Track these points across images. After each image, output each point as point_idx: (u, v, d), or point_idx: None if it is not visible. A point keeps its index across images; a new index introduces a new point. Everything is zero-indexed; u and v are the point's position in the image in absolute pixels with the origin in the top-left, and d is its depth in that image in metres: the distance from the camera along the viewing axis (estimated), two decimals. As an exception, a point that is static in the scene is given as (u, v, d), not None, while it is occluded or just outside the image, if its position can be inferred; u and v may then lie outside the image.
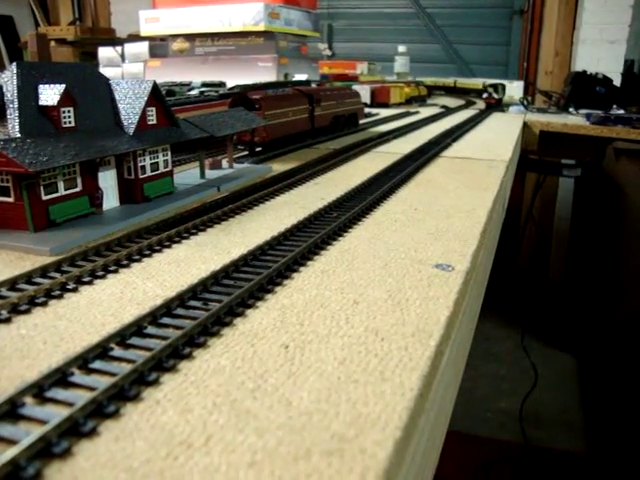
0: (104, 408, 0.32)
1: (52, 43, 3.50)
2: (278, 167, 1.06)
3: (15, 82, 0.65)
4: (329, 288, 0.51)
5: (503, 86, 2.92)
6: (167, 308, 0.45)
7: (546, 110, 2.73)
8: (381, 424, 0.31)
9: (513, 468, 2.15)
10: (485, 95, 2.67)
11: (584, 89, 2.59)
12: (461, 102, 2.90)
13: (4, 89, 0.65)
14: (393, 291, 0.50)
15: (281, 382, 0.36)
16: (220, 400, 0.34)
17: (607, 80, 2.60)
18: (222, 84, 1.68)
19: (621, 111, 2.53)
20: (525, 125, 2.18)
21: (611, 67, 3.12)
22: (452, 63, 4.15)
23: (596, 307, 2.85)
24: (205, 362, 0.38)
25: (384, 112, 2.23)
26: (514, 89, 3.24)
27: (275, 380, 0.36)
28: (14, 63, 0.67)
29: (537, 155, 2.49)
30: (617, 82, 2.65)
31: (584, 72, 2.63)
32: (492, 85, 2.77)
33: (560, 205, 3.67)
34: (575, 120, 2.33)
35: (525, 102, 2.85)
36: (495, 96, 2.66)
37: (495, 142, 1.49)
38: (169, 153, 0.81)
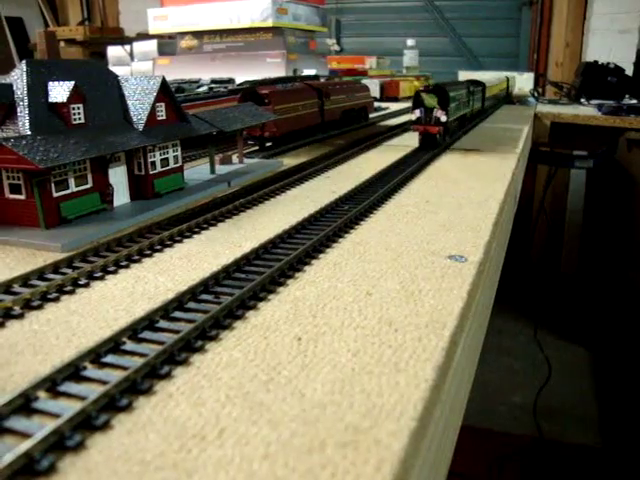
0: (117, 401, 0.32)
1: (61, 43, 3.52)
2: (289, 161, 1.06)
3: (25, 80, 0.65)
4: (341, 280, 0.51)
5: (479, 87, 1.64)
6: (179, 302, 0.45)
7: (557, 101, 2.71)
8: (396, 415, 0.31)
9: (527, 462, 2.14)
10: (416, 114, 1.14)
11: (595, 79, 2.56)
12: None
13: (14, 87, 0.65)
14: (406, 282, 0.50)
15: (294, 374, 0.35)
16: (233, 393, 0.33)
17: (619, 70, 2.57)
18: (231, 81, 1.67)
19: (634, 101, 2.50)
20: (536, 117, 2.17)
21: (623, 57, 3.08)
22: (461, 56, 4.13)
23: (610, 299, 2.83)
24: (217, 355, 0.38)
25: (394, 106, 2.22)
26: (524, 81, 3.22)
27: (288, 372, 0.36)
28: (23, 61, 0.67)
29: (548, 147, 2.47)
30: (629, 72, 2.62)
31: (595, 62, 2.61)
32: (435, 89, 1.15)
33: (572, 197, 3.63)
34: (586, 111, 2.30)
35: (535, 94, 2.83)
36: (441, 117, 1.13)
37: (505, 134, 1.48)
38: (179, 149, 0.81)
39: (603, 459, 2.10)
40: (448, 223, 0.68)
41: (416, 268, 0.53)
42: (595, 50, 3.52)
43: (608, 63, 2.56)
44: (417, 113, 1.15)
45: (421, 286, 0.49)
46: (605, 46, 3.49)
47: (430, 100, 1.13)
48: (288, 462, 0.28)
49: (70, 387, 0.34)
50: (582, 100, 2.60)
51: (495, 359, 2.77)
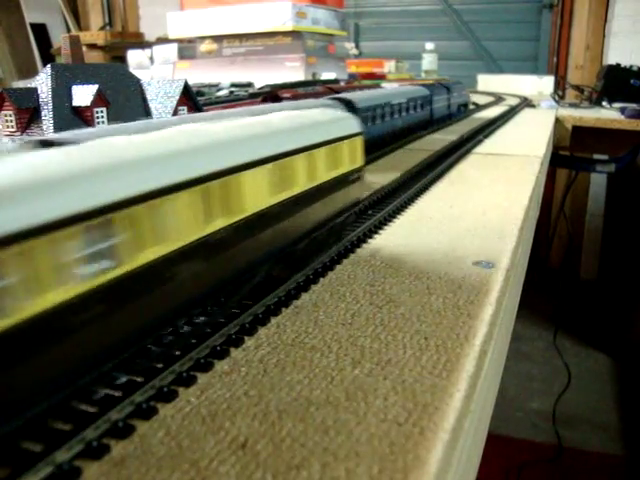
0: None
1: (83, 48, 3.56)
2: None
3: (49, 84, 0.66)
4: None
5: None
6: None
7: (578, 105, 2.68)
8: (429, 427, 0.30)
9: (546, 470, 2.10)
10: None
11: (618, 82, 2.53)
12: (491, 99, 2.85)
13: (39, 91, 0.65)
14: (434, 289, 0.49)
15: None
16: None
17: (642, 73, 2.54)
18: (250, 84, 1.68)
19: (657, 104, 2.46)
20: (557, 120, 2.14)
21: (646, 59, 3.04)
22: (480, 60, 4.10)
23: (632, 306, 2.78)
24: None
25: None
26: (544, 84, 3.19)
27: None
28: (48, 65, 0.68)
29: (569, 151, 2.44)
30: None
31: (618, 65, 2.57)
32: None
33: (592, 202, 3.59)
34: (609, 114, 2.28)
35: (556, 97, 2.80)
36: None
37: (527, 137, 1.47)
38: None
39: (626, 468, 2.06)
40: (473, 229, 0.67)
41: (444, 275, 0.52)
42: (616, 52, 3.48)
43: (631, 66, 2.53)
44: None
45: (449, 294, 0.48)
46: (627, 48, 3.44)
47: None
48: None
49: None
50: (604, 103, 2.57)
51: (513, 365, 2.74)
